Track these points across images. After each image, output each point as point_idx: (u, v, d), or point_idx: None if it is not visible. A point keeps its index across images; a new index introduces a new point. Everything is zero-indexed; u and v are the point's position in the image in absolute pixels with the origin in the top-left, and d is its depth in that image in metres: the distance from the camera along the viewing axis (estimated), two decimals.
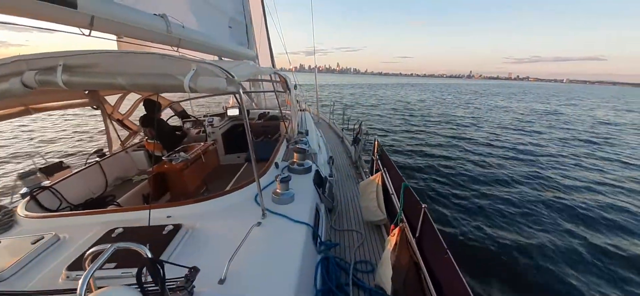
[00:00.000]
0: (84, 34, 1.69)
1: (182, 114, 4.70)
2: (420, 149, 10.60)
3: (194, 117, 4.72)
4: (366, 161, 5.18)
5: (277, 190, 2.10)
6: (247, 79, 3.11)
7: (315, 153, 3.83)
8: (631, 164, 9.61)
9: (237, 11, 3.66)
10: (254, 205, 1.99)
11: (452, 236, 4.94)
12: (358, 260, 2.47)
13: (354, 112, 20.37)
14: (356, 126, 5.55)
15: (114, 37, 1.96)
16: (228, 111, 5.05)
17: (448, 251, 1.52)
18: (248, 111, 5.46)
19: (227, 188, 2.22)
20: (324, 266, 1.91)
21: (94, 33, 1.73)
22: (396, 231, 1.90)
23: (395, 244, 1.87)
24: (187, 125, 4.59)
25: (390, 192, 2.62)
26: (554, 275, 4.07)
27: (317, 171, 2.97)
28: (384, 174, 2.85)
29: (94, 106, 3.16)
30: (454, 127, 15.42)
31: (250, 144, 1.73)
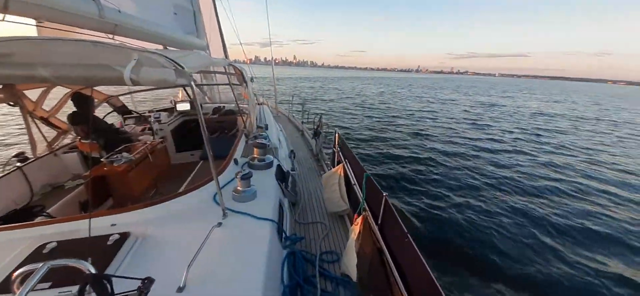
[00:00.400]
0: None
1: (123, 110, 4.18)
2: (381, 141, 10.93)
3: (137, 113, 4.24)
4: (327, 154, 5.24)
5: (238, 188, 2.00)
6: (199, 70, 2.86)
7: (276, 148, 3.75)
8: (569, 147, 11.35)
9: None
10: (213, 205, 1.87)
11: (414, 222, 5.21)
12: (324, 251, 2.50)
13: (314, 106, 20.34)
14: (316, 120, 5.55)
15: (33, 22, 1.65)
16: (177, 105, 4.65)
17: (408, 235, 1.60)
18: (201, 105, 5.10)
19: (181, 189, 2.05)
20: (290, 261, 1.88)
21: (8, 17, 1.44)
22: (359, 220, 1.95)
23: (359, 232, 1.92)
24: (130, 122, 4.12)
25: (352, 182, 2.68)
26: (502, 251, 4.48)
27: (279, 166, 2.91)
28: (345, 165, 2.90)
29: (11, 102, 2.64)
30: (412, 120, 16.04)
31: (206, 141, 1.60)
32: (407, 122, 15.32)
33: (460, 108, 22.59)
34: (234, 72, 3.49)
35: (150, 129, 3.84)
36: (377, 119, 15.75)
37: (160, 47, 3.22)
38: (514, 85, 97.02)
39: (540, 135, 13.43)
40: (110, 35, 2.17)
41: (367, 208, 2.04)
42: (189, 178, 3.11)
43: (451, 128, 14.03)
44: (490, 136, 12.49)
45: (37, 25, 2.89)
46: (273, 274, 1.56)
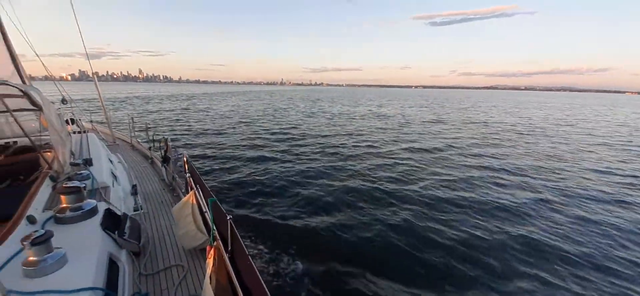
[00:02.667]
0: None
1: None
2: (251, 158, 10.81)
3: None
4: (183, 180, 4.67)
5: (30, 258, 1.46)
6: None
7: (107, 187, 3.04)
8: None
9: None
10: None
11: (288, 234, 5.40)
12: None
13: (172, 126, 18.10)
14: (162, 143, 4.84)
15: None
16: None
17: (249, 257, 1.62)
18: None
19: None
20: None
21: None
22: (212, 251, 1.84)
23: (213, 265, 1.81)
24: None
25: (204, 210, 2.49)
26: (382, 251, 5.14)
27: (108, 211, 2.36)
28: (196, 192, 2.66)
29: None
30: (283, 134, 16.10)
31: None
32: (279, 137, 15.43)
33: (329, 120, 23.55)
34: (18, 94, 2.53)
35: None
36: (249, 136, 15.50)
37: None
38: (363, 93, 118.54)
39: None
40: None
41: (217, 236, 1.94)
42: None
43: (321, 141, 14.77)
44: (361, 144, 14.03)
45: None
46: None
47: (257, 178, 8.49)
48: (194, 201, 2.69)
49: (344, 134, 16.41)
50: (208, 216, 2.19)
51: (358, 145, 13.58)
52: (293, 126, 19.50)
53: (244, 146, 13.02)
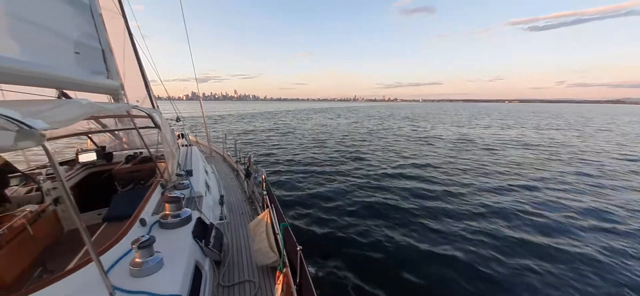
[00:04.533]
0: None
1: (3, 169, 3.39)
2: (327, 179, 9.93)
3: (20, 171, 3.45)
4: (261, 194, 5.03)
5: (136, 259, 1.72)
6: (69, 127, 2.43)
7: (201, 196, 3.45)
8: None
9: (87, 34, 3.03)
10: (102, 288, 1.56)
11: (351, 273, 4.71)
12: None
13: (253, 140, 19.65)
14: (246, 159, 5.35)
15: None
16: (80, 156, 3.99)
17: (315, 294, 1.54)
18: (111, 154, 4.47)
19: (72, 264, 1.66)
20: None
21: None
22: (281, 278, 1.84)
23: (282, 292, 1.81)
24: (14, 183, 3.34)
25: (276, 232, 2.56)
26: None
27: (199, 220, 2.65)
28: (270, 211, 2.78)
29: None
30: (361, 158, 13.59)
31: (72, 212, 1.30)
32: (357, 159, 13.39)
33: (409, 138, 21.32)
34: (140, 115, 3.11)
35: (39, 189, 3.16)
36: (323, 153, 14.98)
37: (54, 91, 2.80)
38: (458, 109, 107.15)
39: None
40: None
41: (287, 263, 1.94)
42: (85, 247, 2.61)
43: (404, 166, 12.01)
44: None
45: None
46: None
47: (340, 203, 7.58)
48: (269, 220, 2.81)
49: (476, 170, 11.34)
50: (280, 238, 2.24)
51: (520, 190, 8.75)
52: (389, 147, 16.61)
53: (325, 164, 12.09)
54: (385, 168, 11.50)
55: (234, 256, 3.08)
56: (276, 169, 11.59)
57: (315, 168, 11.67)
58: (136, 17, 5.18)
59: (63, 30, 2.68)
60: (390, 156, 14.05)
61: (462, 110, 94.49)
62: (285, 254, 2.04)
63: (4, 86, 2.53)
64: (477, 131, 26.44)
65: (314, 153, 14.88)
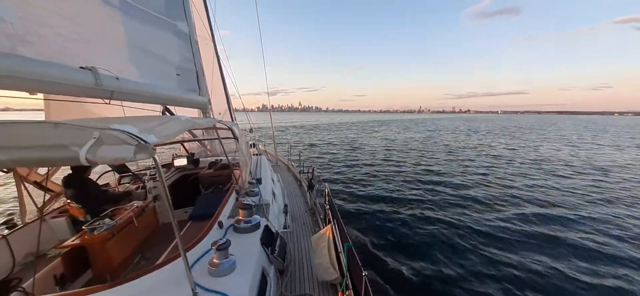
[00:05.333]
0: None
1: (121, 168, 4.23)
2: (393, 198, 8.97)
3: (131, 172, 4.24)
4: (323, 206, 5.09)
5: (214, 260, 1.89)
6: (171, 140, 2.86)
7: (268, 204, 3.66)
8: None
9: (186, 59, 3.58)
10: (186, 283, 1.76)
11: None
12: None
13: (315, 151, 19.69)
14: (309, 172, 5.50)
15: (26, 94, 1.72)
16: (175, 161, 4.71)
17: None
18: (198, 160, 5.15)
19: (163, 257, 1.94)
20: None
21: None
22: None
23: None
24: (126, 181, 4.12)
25: (339, 250, 2.53)
26: None
27: (267, 227, 2.81)
28: (332, 227, 2.77)
29: (4, 170, 2.57)
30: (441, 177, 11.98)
31: (170, 211, 1.51)
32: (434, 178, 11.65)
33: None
34: (223, 127, 3.50)
35: (144, 187, 3.82)
36: (395, 168, 13.75)
37: (159, 107, 3.36)
38: (543, 122, 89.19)
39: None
40: (107, 101, 2.26)
41: (350, 285, 1.89)
42: (175, 242, 3.01)
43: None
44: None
45: (44, 99, 3.07)
46: None
47: (414, 227, 6.74)
48: (331, 236, 2.81)
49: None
50: (342, 257, 2.20)
51: None
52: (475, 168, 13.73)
53: (397, 183, 10.83)
54: (491, 210, 8.06)
55: (296, 266, 3.16)
56: (340, 184, 10.85)
57: (383, 189, 10.12)
58: (223, 41, 5.97)
59: (169, 56, 3.21)
60: (494, 192, 9.78)
61: (559, 123, 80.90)
62: (348, 275, 2.00)
63: (124, 103, 3.14)
64: (618, 155, 18.50)
65: (384, 172, 12.94)
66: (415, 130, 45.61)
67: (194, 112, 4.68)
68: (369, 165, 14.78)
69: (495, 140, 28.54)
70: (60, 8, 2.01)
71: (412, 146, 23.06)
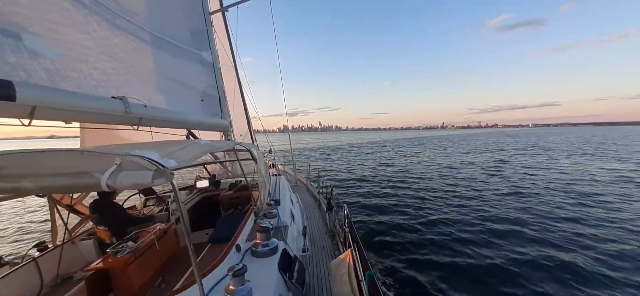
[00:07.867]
0: (23, 125, 1.59)
1: (147, 191, 4.40)
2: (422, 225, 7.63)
3: (156, 194, 4.39)
4: (342, 229, 4.95)
5: (230, 287, 1.86)
6: (190, 164, 2.95)
7: (286, 226, 3.62)
8: None
9: (210, 85, 3.75)
10: None
11: None
12: None
13: (335, 171, 19.16)
14: (328, 191, 5.41)
15: (62, 123, 1.86)
16: (197, 183, 4.84)
17: None
18: (219, 181, 5.26)
19: (178, 286, 1.93)
20: None
21: (37, 122, 1.64)
22: None
23: None
24: (151, 203, 4.27)
25: (359, 278, 2.42)
26: None
27: (285, 251, 2.75)
28: (353, 252, 2.66)
29: (40, 194, 2.65)
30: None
31: (186, 236, 1.51)
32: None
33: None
34: (241, 149, 3.54)
35: (167, 209, 3.92)
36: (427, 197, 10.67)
37: (184, 131, 3.49)
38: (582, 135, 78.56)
39: None
40: (135, 127, 2.39)
41: None
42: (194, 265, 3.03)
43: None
44: None
45: (80, 127, 3.30)
46: None
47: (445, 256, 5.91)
48: (351, 262, 2.70)
49: None
50: (364, 286, 2.10)
51: None
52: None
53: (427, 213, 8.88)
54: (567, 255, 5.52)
55: (315, 294, 3.05)
56: (359, 207, 9.69)
57: (411, 216, 8.68)
58: (244, 66, 6.22)
59: (194, 84, 3.37)
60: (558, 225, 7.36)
61: (600, 134, 73.32)
62: None
63: (152, 128, 3.31)
64: None
65: (414, 200, 10.54)
66: (467, 149, 34.77)
67: (217, 135, 4.84)
68: (397, 191, 11.99)
69: (606, 163, 19.20)
70: (98, 45, 2.19)
71: (474, 175, 15.94)
